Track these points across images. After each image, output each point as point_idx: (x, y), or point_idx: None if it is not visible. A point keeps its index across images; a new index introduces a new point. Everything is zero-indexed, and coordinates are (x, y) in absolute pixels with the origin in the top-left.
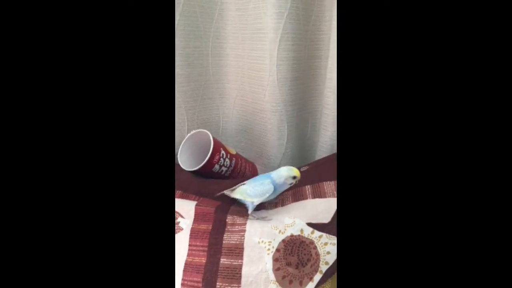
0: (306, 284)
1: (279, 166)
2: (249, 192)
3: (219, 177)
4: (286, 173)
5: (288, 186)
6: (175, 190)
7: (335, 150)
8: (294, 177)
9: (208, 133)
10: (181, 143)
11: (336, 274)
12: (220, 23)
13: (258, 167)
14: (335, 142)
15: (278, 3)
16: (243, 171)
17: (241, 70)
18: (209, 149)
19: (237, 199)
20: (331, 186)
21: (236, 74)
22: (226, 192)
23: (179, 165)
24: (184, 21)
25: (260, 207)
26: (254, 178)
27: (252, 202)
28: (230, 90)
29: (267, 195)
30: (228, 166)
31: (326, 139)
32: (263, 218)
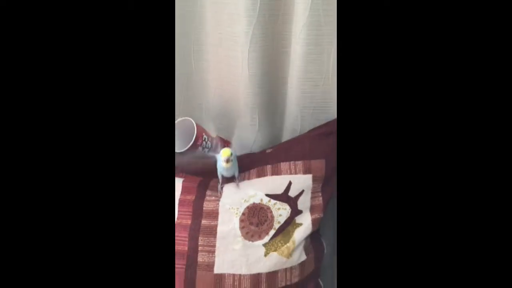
0: (263, 237)
1: (252, 147)
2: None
3: (203, 156)
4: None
5: (226, 163)
6: None
7: (296, 134)
8: (221, 155)
9: (192, 120)
10: None
11: (286, 229)
12: (199, 25)
13: (235, 146)
14: (297, 128)
15: (247, 13)
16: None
17: (218, 64)
18: (194, 134)
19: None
20: (286, 166)
21: (214, 69)
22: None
23: None
24: None
25: (230, 180)
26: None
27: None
28: (210, 82)
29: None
30: (209, 147)
31: (289, 125)
32: (237, 185)
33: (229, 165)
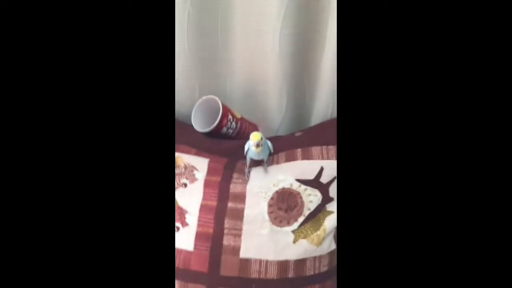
0: (292, 223)
1: (278, 130)
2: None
3: (226, 137)
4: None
5: (256, 147)
6: (191, 148)
7: (327, 118)
8: (250, 139)
9: (218, 99)
10: (193, 107)
11: (316, 217)
12: None
13: (260, 129)
14: (328, 111)
15: None
16: (247, 132)
17: (247, 43)
18: (219, 113)
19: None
20: (317, 150)
21: (242, 45)
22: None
23: (193, 126)
24: None
25: (258, 163)
26: None
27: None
28: (236, 61)
29: (247, 152)
30: (234, 128)
31: (320, 108)
32: (265, 170)
33: (259, 149)
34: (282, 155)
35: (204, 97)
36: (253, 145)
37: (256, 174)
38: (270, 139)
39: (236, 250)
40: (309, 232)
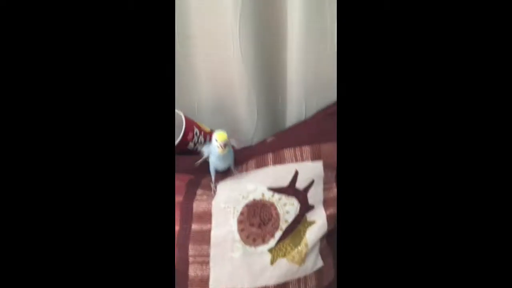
0: (268, 240)
1: (252, 140)
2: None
3: (195, 153)
4: (213, 136)
5: (223, 148)
6: None
7: (302, 119)
8: (216, 140)
9: (181, 113)
10: None
11: (296, 229)
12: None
13: (234, 141)
14: (302, 111)
15: None
16: None
17: (207, 49)
18: (182, 128)
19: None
20: (290, 152)
21: (204, 54)
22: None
23: None
24: None
25: (226, 173)
26: None
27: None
28: (200, 71)
29: (207, 155)
30: (202, 143)
31: (293, 110)
32: (234, 173)
33: (226, 150)
34: (251, 162)
35: None
36: (219, 146)
37: (222, 187)
38: (240, 149)
39: (204, 281)
40: (289, 248)
